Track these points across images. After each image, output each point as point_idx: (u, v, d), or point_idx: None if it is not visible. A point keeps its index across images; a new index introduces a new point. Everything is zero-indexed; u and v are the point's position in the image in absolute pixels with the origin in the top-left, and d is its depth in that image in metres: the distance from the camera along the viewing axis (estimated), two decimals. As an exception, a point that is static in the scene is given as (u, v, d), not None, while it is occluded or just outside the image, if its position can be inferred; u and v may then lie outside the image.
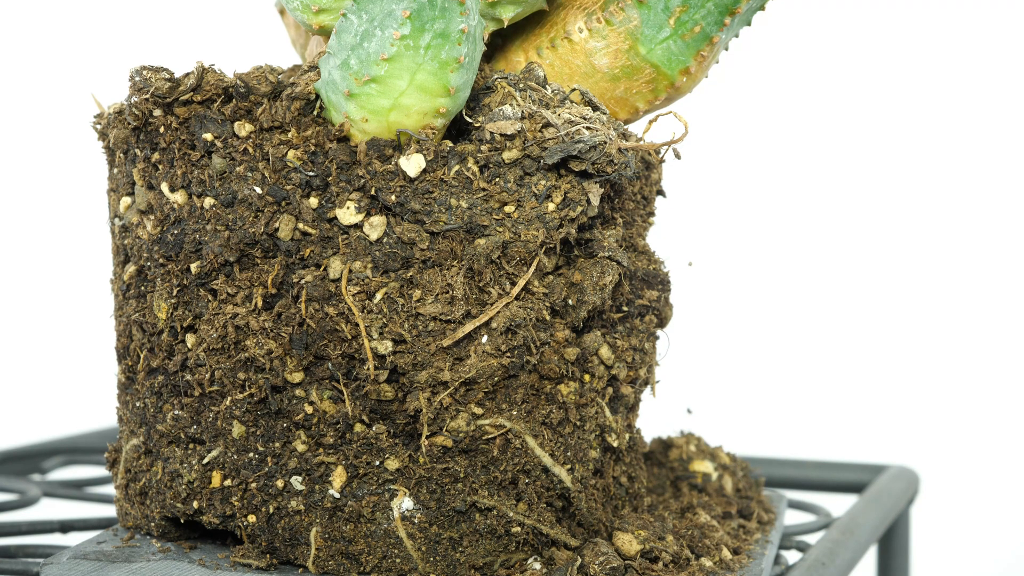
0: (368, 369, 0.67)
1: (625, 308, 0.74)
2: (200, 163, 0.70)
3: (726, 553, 0.72)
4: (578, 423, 0.71)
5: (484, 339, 0.68)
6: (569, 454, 0.71)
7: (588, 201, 0.69)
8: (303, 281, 0.68)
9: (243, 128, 0.69)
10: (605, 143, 0.68)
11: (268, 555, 0.70)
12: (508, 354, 0.68)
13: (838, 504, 0.96)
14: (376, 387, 0.67)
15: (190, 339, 0.70)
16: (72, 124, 1.12)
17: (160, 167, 0.71)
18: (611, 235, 0.72)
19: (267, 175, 0.68)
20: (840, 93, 1.54)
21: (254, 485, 0.70)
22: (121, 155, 0.74)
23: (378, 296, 0.67)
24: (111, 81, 0.95)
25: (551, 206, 0.68)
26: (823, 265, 1.55)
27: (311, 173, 0.68)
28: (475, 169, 0.67)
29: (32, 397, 1.55)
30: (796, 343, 1.54)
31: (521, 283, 0.68)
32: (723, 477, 0.83)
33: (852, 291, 1.54)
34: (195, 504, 0.71)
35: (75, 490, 0.99)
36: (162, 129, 0.71)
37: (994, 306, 1.52)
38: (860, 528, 0.85)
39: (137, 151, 0.72)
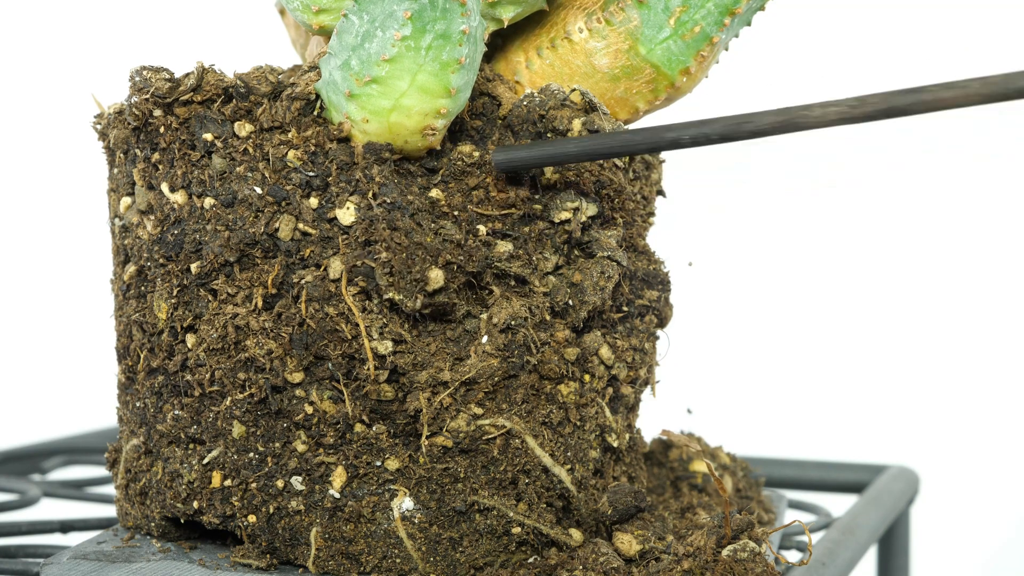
0: (368, 369, 0.67)
1: (625, 308, 0.74)
2: (200, 163, 0.70)
3: (726, 553, 0.72)
4: (578, 423, 0.71)
5: (484, 339, 0.68)
6: (569, 454, 0.71)
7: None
8: (303, 281, 0.68)
9: (243, 128, 0.69)
10: None
11: (268, 555, 0.70)
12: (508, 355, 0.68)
13: (838, 504, 0.96)
14: (376, 387, 0.67)
15: (190, 339, 0.70)
16: (72, 124, 1.12)
17: (160, 167, 0.71)
18: (611, 235, 0.72)
19: (267, 175, 0.68)
20: (840, 92, 1.54)
21: (254, 485, 0.70)
22: (121, 155, 0.74)
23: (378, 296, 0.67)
24: (111, 81, 0.95)
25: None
26: (823, 265, 1.54)
27: (311, 173, 0.68)
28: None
29: (32, 397, 1.55)
30: (796, 343, 1.54)
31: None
32: (723, 477, 0.83)
33: (852, 291, 1.54)
34: (195, 504, 0.71)
35: (75, 490, 0.99)
36: (162, 129, 0.71)
37: (994, 307, 1.52)
38: (860, 528, 0.85)
39: (137, 151, 0.72)
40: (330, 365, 0.68)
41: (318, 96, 0.69)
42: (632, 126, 0.77)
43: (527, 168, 0.67)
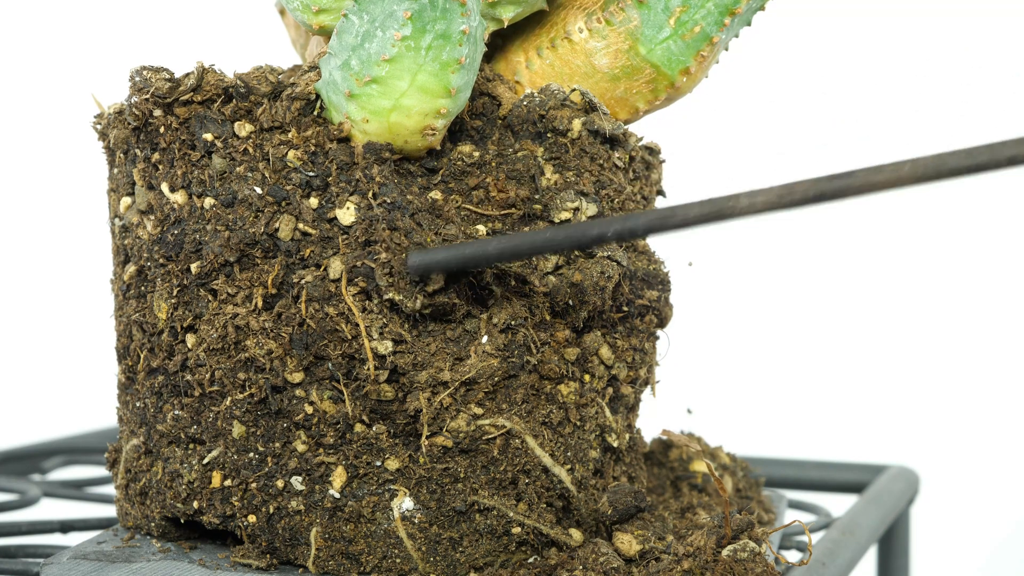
0: (368, 369, 0.67)
1: (625, 308, 0.74)
2: (200, 163, 0.70)
3: (726, 553, 0.72)
4: (578, 423, 0.71)
5: (484, 339, 0.68)
6: (569, 454, 0.71)
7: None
8: (303, 281, 0.68)
9: (243, 128, 0.69)
10: None
11: (268, 555, 0.70)
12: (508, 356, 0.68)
13: (838, 504, 0.96)
14: (376, 387, 0.67)
15: (190, 339, 0.70)
16: (72, 124, 1.12)
17: (160, 167, 0.71)
18: (611, 235, 0.72)
19: (267, 175, 0.68)
20: (840, 92, 1.54)
21: (254, 485, 0.70)
22: (121, 155, 0.74)
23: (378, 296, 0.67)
24: (111, 81, 0.95)
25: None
26: (823, 265, 1.54)
27: (311, 173, 0.68)
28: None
29: (32, 397, 1.55)
30: (796, 343, 1.54)
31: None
32: (723, 477, 0.83)
33: (851, 291, 1.54)
34: (195, 504, 0.71)
35: (75, 490, 0.99)
36: (162, 129, 0.71)
37: (993, 307, 1.52)
38: (860, 528, 0.84)
39: (137, 151, 0.72)
40: (330, 365, 0.68)
41: (318, 96, 0.69)
42: (633, 127, 0.77)
43: (444, 271, 0.66)
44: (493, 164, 0.70)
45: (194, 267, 0.70)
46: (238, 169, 0.69)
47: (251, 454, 0.69)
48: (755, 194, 0.58)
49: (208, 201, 0.69)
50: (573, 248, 0.64)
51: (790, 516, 0.92)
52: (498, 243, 0.65)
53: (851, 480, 1.02)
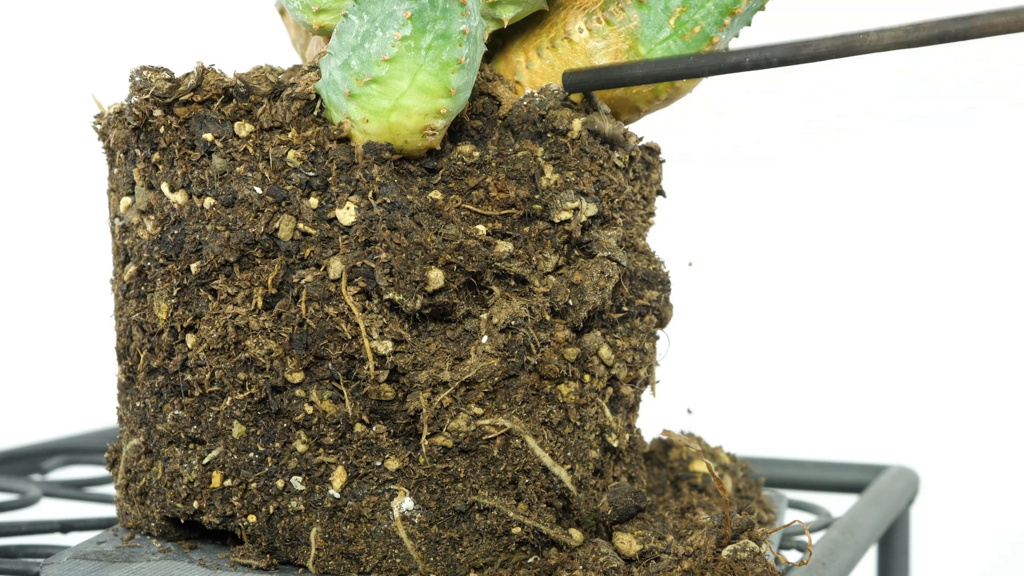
0: (368, 369, 0.67)
1: (625, 308, 0.74)
2: (200, 163, 0.70)
3: (726, 553, 0.72)
4: (578, 423, 0.71)
5: (484, 339, 0.68)
6: (569, 454, 0.71)
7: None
8: (303, 281, 0.68)
9: (243, 128, 0.69)
10: None
11: (268, 555, 0.70)
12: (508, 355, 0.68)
13: (838, 504, 0.96)
14: (376, 387, 0.67)
15: (190, 339, 0.70)
16: (72, 124, 1.12)
17: (160, 167, 0.71)
18: (611, 235, 0.72)
19: (267, 175, 0.68)
20: (841, 93, 1.54)
21: (254, 485, 0.70)
22: (121, 155, 0.74)
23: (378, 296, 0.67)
24: (111, 81, 0.95)
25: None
26: (823, 265, 1.55)
27: (311, 173, 0.68)
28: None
29: (32, 397, 1.55)
30: (796, 343, 1.54)
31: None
32: (723, 477, 0.83)
33: (852, 291, 1.54)
34: (195, 504, 0.71)
35: (75, 490, 0.99)
36: (162, 129, 0.71)
37: (993, 306, 1.52)
38: (860, 528, 0.85)
39: (137, 151, 0.72)
40: (330, 365, 0.68)
41: (318, 96, 0.69)
42: (633, 127, 0.77)
43: (596, 88, 0.70)
44: (493, 164, 0.70)
45: (194, 267, 0.70)
46: (238, 169, 0.69)
47: (251, 454, 0.69)
48: (883, 30, 0.61)
49: (208, 201, 0.69)
50: (712, 74, 0.69)
51: (790, 516, 0.92)
52: (644, 67, 0.70)
53: (851, 480, 1.02)
